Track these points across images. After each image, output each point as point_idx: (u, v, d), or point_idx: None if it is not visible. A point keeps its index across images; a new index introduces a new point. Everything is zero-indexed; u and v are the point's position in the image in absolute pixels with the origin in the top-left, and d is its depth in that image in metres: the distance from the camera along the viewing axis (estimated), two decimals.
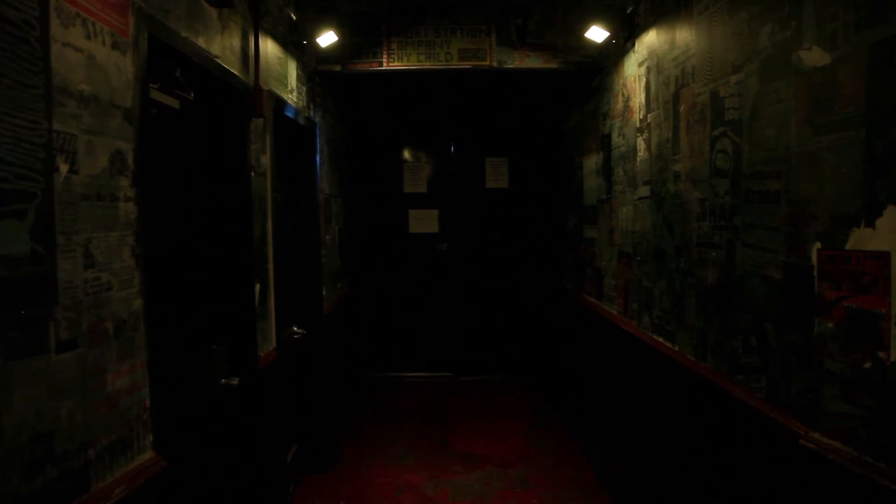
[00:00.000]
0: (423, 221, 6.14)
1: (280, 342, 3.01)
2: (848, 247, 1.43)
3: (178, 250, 2.10)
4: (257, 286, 2.64)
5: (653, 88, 2.84)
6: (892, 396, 1.30)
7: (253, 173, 2.59)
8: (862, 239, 1.38)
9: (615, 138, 3.50)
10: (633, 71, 3.13)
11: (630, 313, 3.20)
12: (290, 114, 3.21)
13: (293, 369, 3.55)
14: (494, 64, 3.83)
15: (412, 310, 6.17)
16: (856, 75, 1.40)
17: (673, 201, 2.57)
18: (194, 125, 2.25)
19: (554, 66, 3.83)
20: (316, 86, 3.90)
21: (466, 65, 3.84)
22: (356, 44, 3.83)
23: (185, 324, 2.13)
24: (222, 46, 2.27)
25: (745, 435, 1.91)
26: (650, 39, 2.87)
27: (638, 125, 3.06)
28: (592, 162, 4.08)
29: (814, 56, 1.56)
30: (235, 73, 2.39)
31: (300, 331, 3.49)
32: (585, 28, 3.48)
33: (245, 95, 2.51)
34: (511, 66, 3.83)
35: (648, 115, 2.90)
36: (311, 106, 3.79)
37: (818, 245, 1.55)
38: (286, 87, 3.19)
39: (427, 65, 3.83)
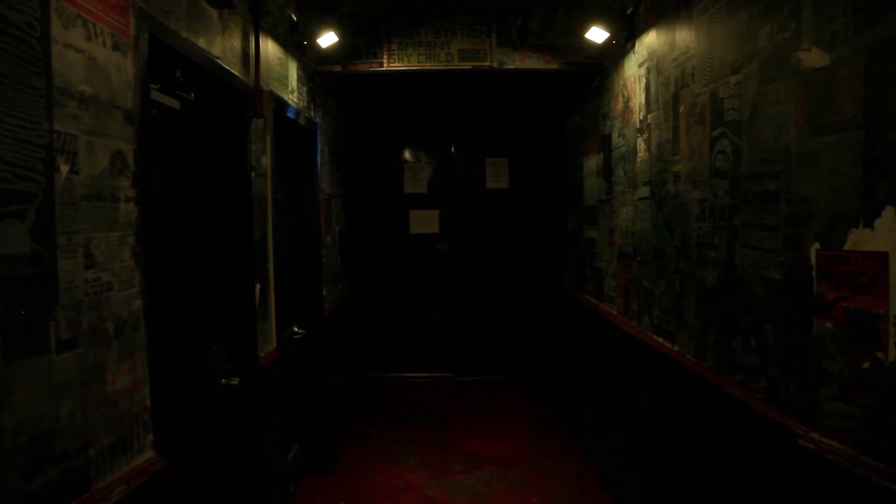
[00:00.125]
0: (424, 222, 6.15)
1: (280, 342, 3.02)
2: (846, 247, 1.43)
3: (179, 250, 2.11)
4: (257, 286, 2.64)
5: (653, 89, 2.84)
6: (891, 396, 1.30)
7: (253, 174, 2.60)
8: (860, 239, 1.39)
9: (615, 139, 3.50)
10: (634, 71, 3.13)
11: (630, 313, 3.20)
12: (290, 114, 3.22)
13: (293, 369, 3.55)
14: (495, 64, 3.83)
15: (413, 309, 6.17)
16: (854, 76, 1.40)
17: (673, 202, 2.57)
18: (195, 126, 2.25)
19: (554, 66, 3.83)
20: (316, 86, 3.90)
21: (467, 65, 3.84)
22: (357, 44, 3.83)
23: (185, 324, 2.14)
24: (223, 47, 2.28)
25: (745, 435, 1.91)
26: (650, 40, 2.87)
27: (638, 126, 3.07)
28: (593, 162, 4.09)
29: (813, 57, 1.56)
30: (236, 73, 2.40)
31: (300, 331, 3.49)
32: (586, 29, 3.48)
33: (245, 96, 2.51)
34: (511, 67, 3.83)
35: (648, 116, 2.90)
36: (312, 106, 3.80)
37: (817, 245, 1.55)
38: (287, 87, 3.20)
39: (427, 65, 3.84)
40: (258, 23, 2.64)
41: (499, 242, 6.16)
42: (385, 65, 3.84)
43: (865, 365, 1.37)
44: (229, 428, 2.47)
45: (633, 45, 3.13)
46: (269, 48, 2.89)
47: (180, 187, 2.14)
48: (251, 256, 2.56)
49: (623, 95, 3.33)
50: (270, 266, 2.86)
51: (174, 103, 2.06)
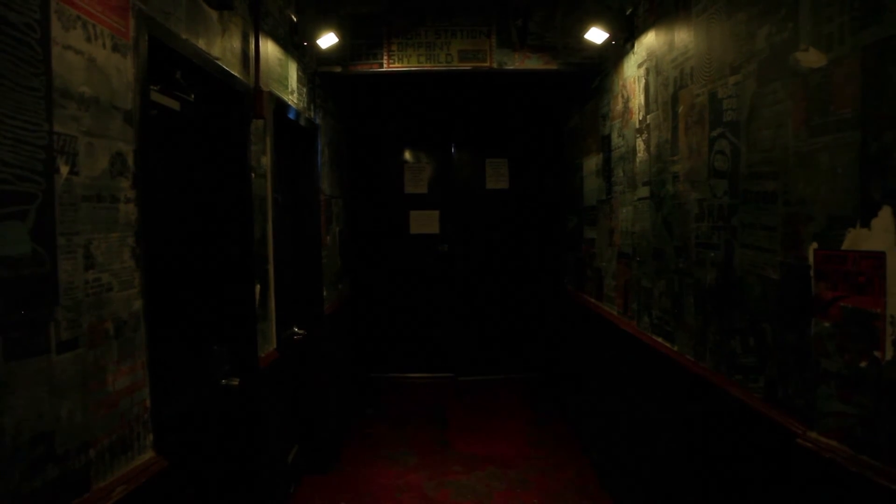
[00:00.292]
0: (424, 222, 6.15)
1: (280, 343, 3.02)
2: (844, 247, 1.44)
3: (179, 251, 2.11)
4: (258, 287, 2.65)
5: (652, 90, 2.85)
6: (888, 395, 1.30)
7: (253, 174, 2.60)
8: (857, 239, 1.39)
9: (615, 139, 3.51)
10: (633, 72, 3.14)
11: (630, 313, 3.21)
12: (290, 115, 3.23)
13: (294, 370, 3.56)
14: (495, 65, 3.84)
15: (413, 310, 6.18)
16: (851, 77, 1.41)
17: (672, 202, 2.57)
18: (195, 126, 2.26)
19: (554, 67, 3.83)
20: (316, 87, 3.91)
21: (467, 66, 3.85)
22: (357, 45, 3.84)
23: (185, 324, 2.14)
24: (223, 48, 2.29)
25: (744, 434, 1.91)
26: (649, 41, 2.88)
27: (637, 126, 3.07)
28: (593, 163, 4.09)
29: (810, 58, 1.56)
30: (236, 74, 2.41)
31: (301, 331, 3.50)
32: (585, 29, 3.49)
33: (245, 97, 2.52)
34: (511, 68, 3.84)
35: (648, 116, 2.90)
36: (312, 107, 3.80)
37: (815, 245, 1.55)
38: (287, 88, 3.20)
39: (427, 66, 3.84)
40: (258, 24, 2.65)
41: (499, 243, 6.17)
42: (385, 65, 3.85)
43: (863, 364, 1.38)
44: (229, 428, 2.47)
45: (633, 46, 3.13)
46: (269, 49, 2.90)
47: (180, 188, 2.14)
48: (251, 257, 2.57)
49: (622, 96, 3.34)
50: (270, 267, 2.86)
51: (174, 104, 2.07)
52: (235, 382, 2.41)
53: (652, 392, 2.83)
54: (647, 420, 2.88)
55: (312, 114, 3.81)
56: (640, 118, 3.02)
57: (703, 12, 2.25)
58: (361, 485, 3.80)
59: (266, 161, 2.83)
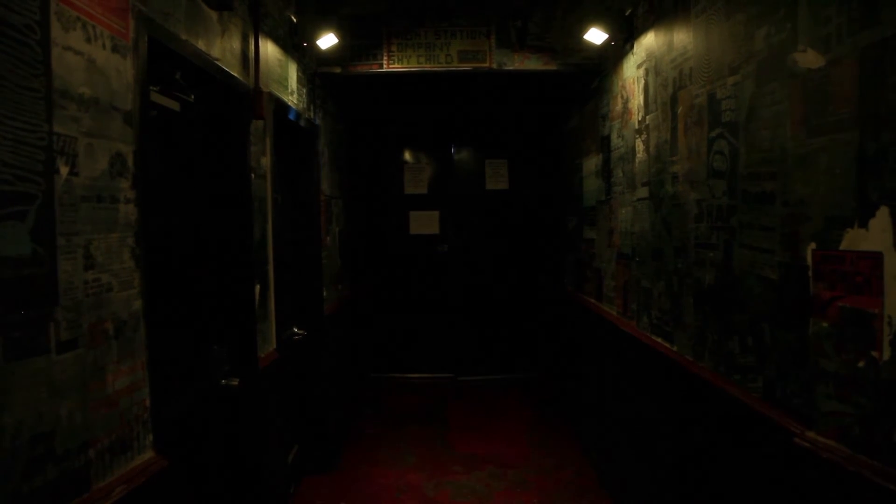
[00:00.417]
0: (424, 223, 6.16)
1: (280, 343, 3.03)
2: (842, 247, 1.44)
3: (179, 251, 2.12)
4: (257, 287, 2.65)
5: (651, 90, 2.85)
6: (886, 395, 1.31)
7: (253, 175, 2.61)
8: (855, 239, 1.39)
9: (614, 140, 3.51)
10: (632, 73, 3.14)
11: (629, 314, 3.21)
12: (290, 116, 3.23)
13: (294, 370, 3.56)
14: (494, 66, 3.84)
15: (413, 310, 6.18)
16: (849, 77, 1.41)
17: (671, 202, 2.58)
18: (194, 127, 2.26)
19: (553, 67, 3.84)
20: (316, 87, 3.91)
21: (466, 67, 3.85)
22: (356, 46, 3.84)
23: (185, 324, 2.15)
24: (222, 49, 2.29)
25: (743, 434, 1.92)
26: (648, 41, 2.88)
27: (637, 127, 3.07)
28: (592, 163, 4.09)
29: (808, 58, 1.57)
30: (235, 75, 2.41)
31: (301, 332, 3.50)
32: (584, 30, 3.49)
33: (245, 97, 2.52)
34: (511, 68, 3.84)
35: (647, 117, 2.91)
36: (312, 107, 3.81)
37: (813, 245, 1.56)
38: (286, 89, 3.21)
39: (427, 67, 3.85)
40: (258, 25, 2.65)
41: (498, 243, 6.17)
42: (385, 66, 3.85)
43: (860, 364, 1.38)
44: (229, 428, 2.48)
45: (632, 47, 3.14)
46: (269, 50, 2.90)
47: (180, 189, 2.15)
48: (251, 257, 2.57)
49: (622, 96, 3.34)
50: (270, 267, 2.87)
51: (174, 105, 2.07)
52: (235, 382, 2.41)
53: (651, 392, 2.83)
54: (647, 420, 2.89)
55: (312, 114, 3.81)
56: (640, 119, 3.02)
57: (702, 13, 2.25)
58: (361, 485, 3.80)
59: (266, 161, 2.83)
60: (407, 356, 6.17)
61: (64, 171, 1.30)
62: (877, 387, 1.33)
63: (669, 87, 2.60)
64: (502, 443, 4.47)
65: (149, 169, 1.66)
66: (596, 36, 3.46)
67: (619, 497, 3.40)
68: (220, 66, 2.25)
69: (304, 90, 3.62)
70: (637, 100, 3.06)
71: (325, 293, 3.98)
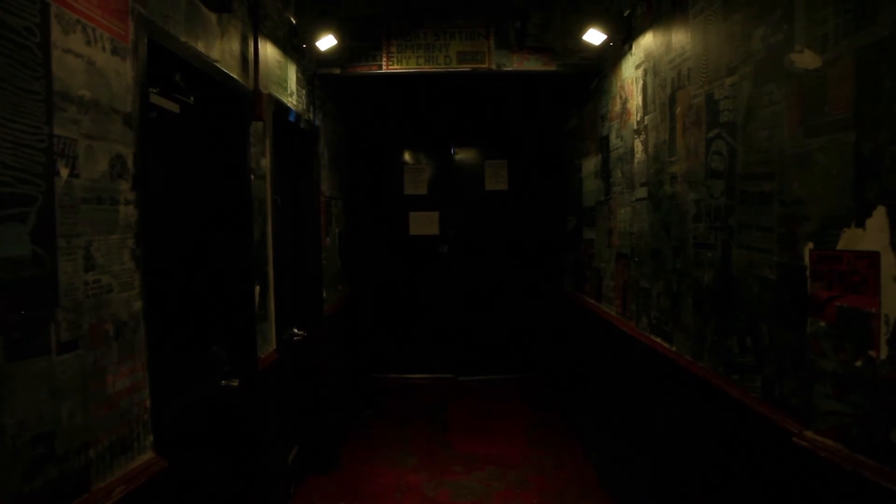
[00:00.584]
0: (424, 223, 6.17)
1: (280, 344, 3.03)
2: (839, 247, 1.45)
3: (179, 253, 2.12)
4: (257, 288, 2.66)
5: (649, 91, 2.86)
6: (883, 394, 1.31)
7: (253, 176, 2.61)
8: (852, 239, 1.40)
9: (613, 140, 3.52)
10: (631, 73, 3.15)
11: (628, 314, 3.21)
12: (290, 117, 3.24)
13: (293, 370, 3.57)
14: (493, 66, 3.85)
15: (413, 311, 6.19)
16: (845, 78, 1.42)
17: (669, 203, 2.58)
18: (194, 129, 2.27)
19: (552, 68, 3.84)
20: (316, 89, 3.92)
21: (465, 67, 3.86)
22: (356, 47, 3.85)
23: (185, 325, 2.15)
24: (222, 51, 2.30)
25: (742, 434, 1.92)
26: (647, 42, 2.89)
27: (635, 127, 3.08)
28: (591, 164, 4.10)
29: (805, 59, 1.57)
30: (235, 77, 2.42)
31: (300, 332, 3.51)
32: (583, 31, 3.50)
33: (245, 99, 2.53)
34: (510, 69, 3.85)
35: (645, 118, 2.91)
36: (311, 109, 3.81)
37: (810, 245, 1.56)
38: (286, 90, 3.22)
39: (426, 68, 3.85)
40: (257, 26, 2.66)
41: (498, 244, 6.18)
42: (384, 67, 3.86)
43: (858, 363, 1.39)
44: (229, 429, 2.48)
45: (630, 47, 3.15)
46: (269, 51, 2.91)
47: (180, 190, 2.15)
48: (251, 258, 2.58)
49: (620, 97, 3.35)
50: (270, 268, 2.87)
51: (173, 107, 2.08)
52: (235, 383, 2.42)
53: (651, 392, 2.83)
54: (647, 420, 2.89)
55: (312, 115, 3.82)
56: (638, 119, 3.03)
57: (699, 14, 2.26)
58: (361, 485, 3.80)
59: (265, 163, 2.84)
60: (407, 356, 6.17)
61: (64, 172, 1.31)
62: (874, 386, 1.34)
63: (668, 87, 2.60)
64: (502, 443, 4.48)
65: (149, 171, 1.67)
66: (594, 37, 3.46)
67: (619, 497, 3.40)
68: (220, 67, 2.26)
69: (304, 91, 3.63)
70: (636, 100, 3.07)
71: (324, 294, 3.98)
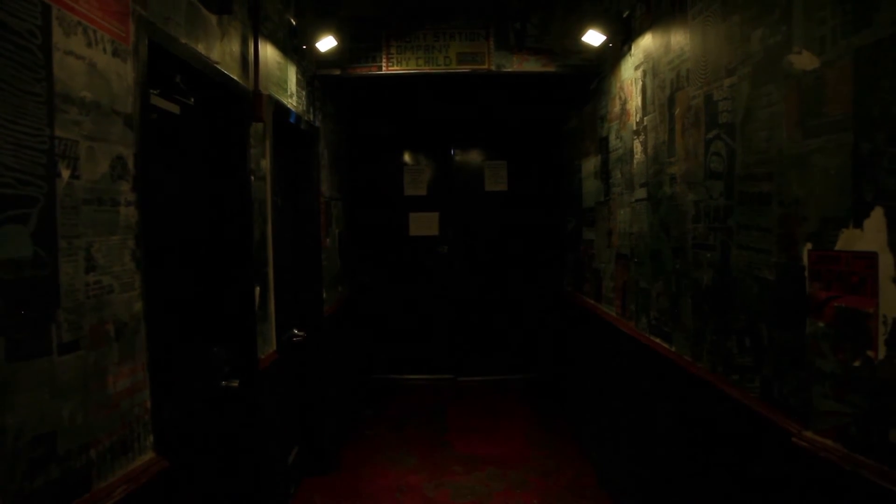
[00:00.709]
0: (424, 224, 6.17)
1: (280, 344, 3.04)
2: (837, 247, 1.45)
3: (179, 254, 2.13)
4: (257, 289, 2.66)
5: (649, 92, 2.86)
6: (881, 394, 1.32)
7: (253, 177, 2.62)
8: (850, 239, 1.40)
9: (613, 141, 3.52)
10: (630, 74, 3.16)
11: (628, 314, 3.22)
12: (289, 118, 3.24)
13: (293, 371, 3.57)
14: (493, 68, 3.85)
15: (412, 311, 6.19)
16: (844, 79, 1.42)
17: (669, 203, 2.59)
18: (194, 130, 2.27)
19: (552, 69, 3.85)
20: (316, 90, 3.93)
21: (465, 69, 3.86)
22: (355, 48, 3.86)
23: (185, 326, 2.16)
24: (222, 52, 2.30)
25: (741, 434, 1.93)
26: (646, 43, 2.90)
27: (634, 128, 3.09)
28: (591, 164, 4.11)
29: (803, 60, 1.58)
30: (235, 78, 2.42)
31: (300, 333, 3.51)
32: (582, 32, 3.51)
33: (245, 100, 2.53)
34: (509, 70, 3.85)
35: (645, 118, 2.92)
36: (311, 110, 3.82)
37: (809, 246, 1.57)
38: (286, 91, 3.22)
39: (426, 69, 3.86)
40: (257, 28, 2.66)
41: (498, 244, 6.18)
42: (384, 68, 3.86)
43: (856, 363, 1.39)
44: (229, 429, 2.49)
45: (630, 48, 3.15)
46: (269, 53, 2.91)
47: (180, 191, 2.16)
48: (251, 259, 2.58)
49: (620, 98, 3.35)
50: (270, 269, 2.88)
51: (174, 108, 2.08)
52: (235, 384, 2.42)
53: (650, 392, 2.84)
54: (646, 420, 2.90)
55: (312, 116, 3.83)
56: (638, 120, 3.03)
57: (698, 15, 2.26)
58: (361, 486, 3.81)
59: (265, 164, 2.84)
60: (407, 357, 6.18)
61: (65, 174, 1.31)
62: (873, 386, 1.34)
63: (667, 88, 2.61)
64: (502, 443, 4.48)
65: (149, 172, 1.67)
66: (594, 38, 3.47)
67: (619, 497, 3.41)
68: (220, 69, 2.26)
69: (304, 92, 3.63)
70: (635, 101, 3.08)
71: (324, 294, 3.99)
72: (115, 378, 1.50)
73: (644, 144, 2.94)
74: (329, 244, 4.30)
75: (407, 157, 6.22)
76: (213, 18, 2.22)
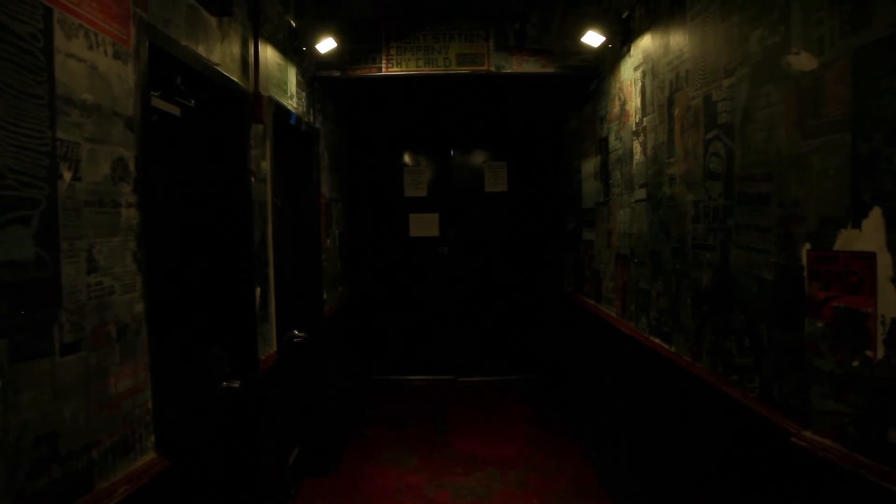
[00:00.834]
0: (424, 225, 6.18)
1: (281, 345, 3.04)
2: (836, 247, 1.46)
3: (180, 255, 2.13)
4: (258, 290, 2.67)
5: (648, 92, 2.87)
6: (880, 394, 1.32)
7: (253, 179, 2.62)
8: (849, 240, 1.41)
9: (612, 141, 3.53)
10: (629, 75, 3.16)
11: (628, 315, 3.22)
12: (290, 119, 3.25)
13: (294, 372, 3.58)
14: (493, 69, 3.86)
15: (413, 312, 6.20)
16: (842, 79, 1.43)
17: (668, 204, 2.59)
18: (195, 132, 2.28)
19: (551, 70, 3.86)
20: (316, 91, 3.93)
21: (465, 70, 3.87)
22: (355, 50, 3.86)
23: (186, 327, 2.16)
24: (222, 54, 2.31)
25: (741, 434, 1.93)
26: (645, 44, 2.90)
27: (634, 128, 3.09)
28: (591, 165, 4.11)
29: (802, 61, 1.58)
30: (235, 80, 2.43)
31: (301, 334, 3.52)
32: (582, 33, 3.51)
33: (245, 102, 2.54)
34: (509, 71, 3.86)
35: (644, 119, 2.92)
36: (311, 111, 3.83)
37: (808, 246, 1.57)
38: (286, 93, 3.23)
39: (426, 70, 3.87)
40: (257, 29, 2.67)
41: (498, 245, 6.19)
42: (384, 70, 3.87)
43: (855, 363, 1.40)
44: (230, 430, 2.49)
45: (629, 49, 3.16)
46: (269, 54, 2.92)
47: (181, 193, 2.16)
48: (251, 260, 2.59)
49: (619, 98, 3.36)
50: (270, 270, 2.88)
51: (175, 110, 2.09)
52: (236, 384, 2.43)
53: (650, 392, 2.84)
54: (646, 420, 2.90)
55: (312, 118, 3.83)
56: (637, 121, 3.04)
57: (697, 16, 2.27)
58: (362, 486, 3.81)
59: (266, 165, 2.85)
60: (407, 358, 6.18)
61: (67, 176, 1.32)
62: (871, 386, 1.35)
63: (666, 89, 2.61)
64: (502, 444, 4.48)
65: (150, 173, 1.68)
66: (593, 39, 3.48)
67: (620, 497, 3.41)
68: (221, 71, 2.27)
69: (304, 94, 3.64)
70: (634, 102, 3.08)
71: (325, 295, 3.99)
72: (117, 379, 1.50)
73: (643, 145, 2.94)
74: (329, 245, 4.31)
75: (407, 158, 6.23)
76: (214, 21, 2.23)
